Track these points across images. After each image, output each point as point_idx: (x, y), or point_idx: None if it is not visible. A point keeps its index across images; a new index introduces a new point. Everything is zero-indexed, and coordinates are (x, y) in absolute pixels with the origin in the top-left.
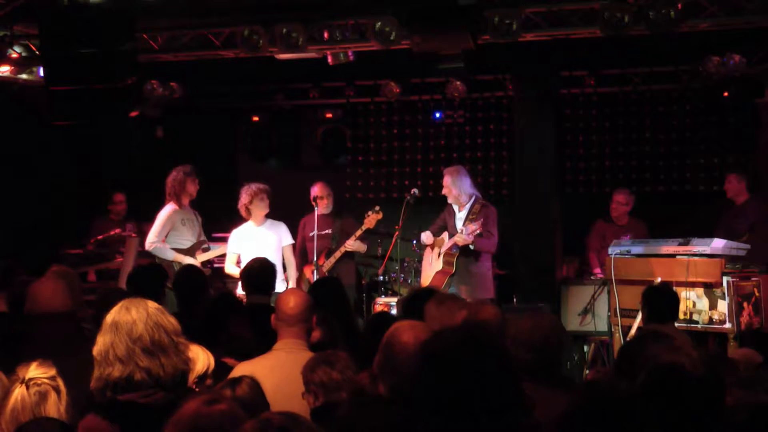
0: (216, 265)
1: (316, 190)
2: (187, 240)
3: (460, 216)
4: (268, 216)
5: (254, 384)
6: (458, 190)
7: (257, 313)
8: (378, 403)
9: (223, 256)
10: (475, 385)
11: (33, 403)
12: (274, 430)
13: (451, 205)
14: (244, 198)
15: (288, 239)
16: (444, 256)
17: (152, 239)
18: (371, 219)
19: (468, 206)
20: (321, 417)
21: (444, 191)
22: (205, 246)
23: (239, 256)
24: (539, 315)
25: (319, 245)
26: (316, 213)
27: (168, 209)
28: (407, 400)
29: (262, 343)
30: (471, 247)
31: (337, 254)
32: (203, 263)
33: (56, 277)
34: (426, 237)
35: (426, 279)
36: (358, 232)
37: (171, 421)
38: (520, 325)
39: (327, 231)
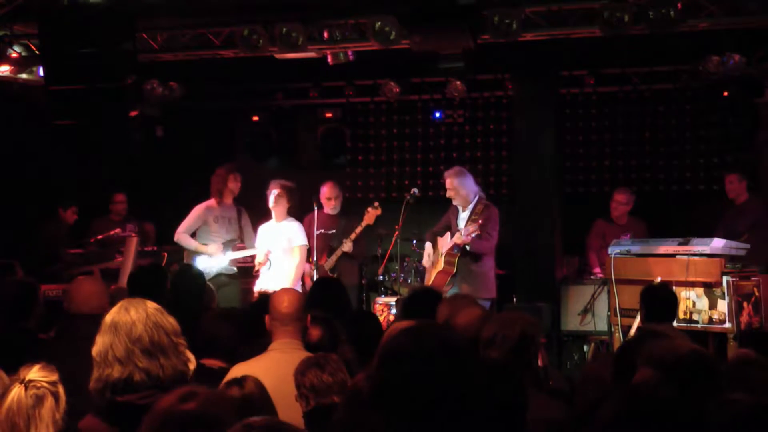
0: (240, 265)
1: (325, 190)
2: (219, 238)
3: (463, 216)
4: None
5: (260, 383)
6: (465, 190)
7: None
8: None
9: (253, 256)
10: (423, 384)
11: (29, 405)
12: (259, 430)
13: (455, 204)
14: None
15: (298, 240)
16: (445, 256)
17: (179, 230)
18: (370, 215)
19: (471, 206)
20: (314, 420)
21: (449, 194)
22: (240, 246)
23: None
24: (509, 314)
25: (323, 243)
26: (315, 212)
27: (202, 205)
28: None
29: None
30: (467, 248)
31: (338, 252)
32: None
33: (94, 279)
34: (426, 254)
35: (428, 280)
36: (359, 229)
37: (146, 417)
38: (489, 325)
39: (333, 231)
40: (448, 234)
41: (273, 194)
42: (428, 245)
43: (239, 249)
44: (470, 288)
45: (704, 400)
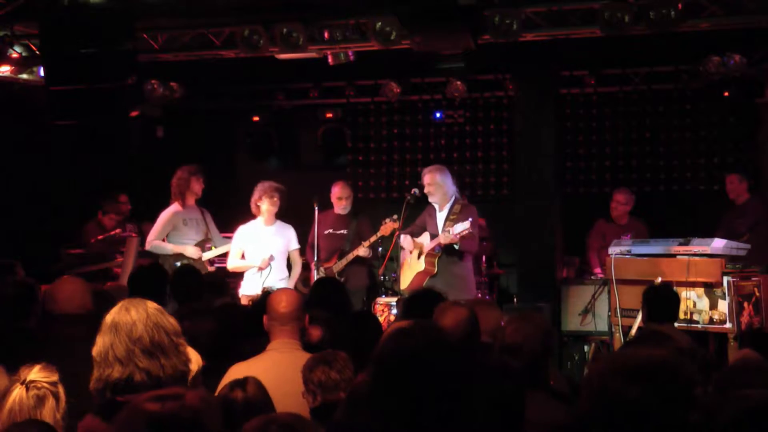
0: (217, 265)
1: (337, 190)
2: (191, 239)
3: (441, 216)
4: (277, 216)
5: (261, 385)
6: (446, 187)
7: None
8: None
9: (225, 255)
10: (419, 383)
11: (30, 405)
12: (277, 427)
13: (431, 205)
14: (255, 194)
15: (295, 244)
16: (426, 256)
17: (150, 239)
18: (387, 227)
19: (448, 206)
20: (320, 417)
21: (428, 190)
22: (208, 245)
23: (243, 253)
24: (523, 318)
25: (333, 245)
26: (316, 212)
27: (169, 210)
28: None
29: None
30: (456, 247)
31: (350, 257)
32: (209, 261)
33: (75, 279)
34: (407, 242)
35: (405, 280)
36: (373, 238)
37: (118, 415)
38: (505, 329)
39: (342, 231)
40: (426, 234)
41: (272, 198)
42: (406, 238)
43: (207, 250)
44: (453, 290)
45: (677, 406)
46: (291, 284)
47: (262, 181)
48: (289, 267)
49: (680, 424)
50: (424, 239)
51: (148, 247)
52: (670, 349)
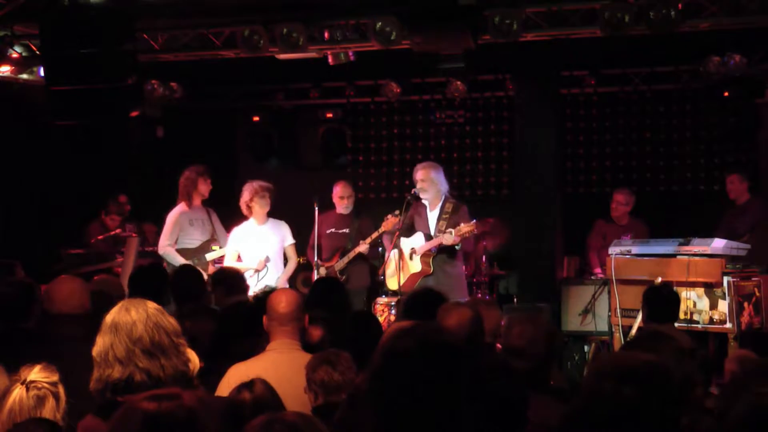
0: (217, 265)
1: (338, 189)
2: (196, 240)
3: (432, 215)
4: (269, 215)
5: (268, 385)
6: (439, 185)
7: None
8: None
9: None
10: (421, 384)
11: (30, 406)
12: (281, 426)
13: (421, 202)
14: (245, 195)
15: (290, 239)
16: (422, 256)
17: (163, 242)
18: (389, 222)
19: (440, 205)
20: (321, 417)
21: (420, 186)
22: (214, 246)
23: (239, 255)
24: (529, 320)
25: (335, 244)
26: (316, 212)
27: (175, 211)
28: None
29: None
30: (456, 247)
31: (351, 254)
32: (213, 261)
33: (73, 279)
34: (418, 244)
35: (394, 280)
36: (375, 234)
37: (114, 414)
38: (510, 331)
39: (344, 230)
40: (419, 234)
41: (263, 197)
42: (405, 241)
43: (212, 251)
44: (447, 290)
45: (671, 407)
46: (284, 278)
47: (250, 181)
48: (286, 262)
49: (674, 426)
50: (415, 239)
51: (160, 251)
52: (670, 349)
